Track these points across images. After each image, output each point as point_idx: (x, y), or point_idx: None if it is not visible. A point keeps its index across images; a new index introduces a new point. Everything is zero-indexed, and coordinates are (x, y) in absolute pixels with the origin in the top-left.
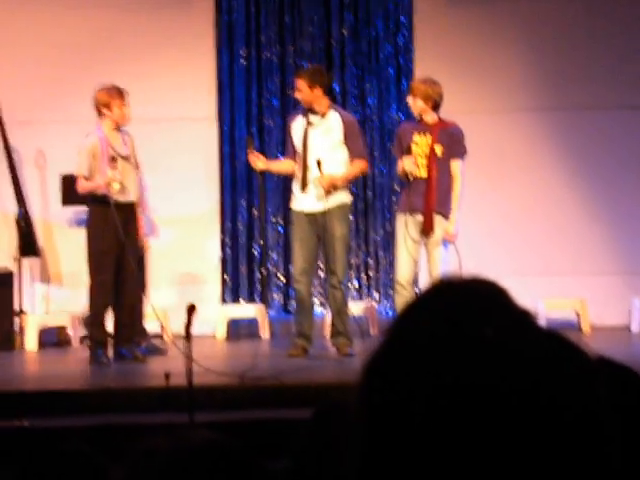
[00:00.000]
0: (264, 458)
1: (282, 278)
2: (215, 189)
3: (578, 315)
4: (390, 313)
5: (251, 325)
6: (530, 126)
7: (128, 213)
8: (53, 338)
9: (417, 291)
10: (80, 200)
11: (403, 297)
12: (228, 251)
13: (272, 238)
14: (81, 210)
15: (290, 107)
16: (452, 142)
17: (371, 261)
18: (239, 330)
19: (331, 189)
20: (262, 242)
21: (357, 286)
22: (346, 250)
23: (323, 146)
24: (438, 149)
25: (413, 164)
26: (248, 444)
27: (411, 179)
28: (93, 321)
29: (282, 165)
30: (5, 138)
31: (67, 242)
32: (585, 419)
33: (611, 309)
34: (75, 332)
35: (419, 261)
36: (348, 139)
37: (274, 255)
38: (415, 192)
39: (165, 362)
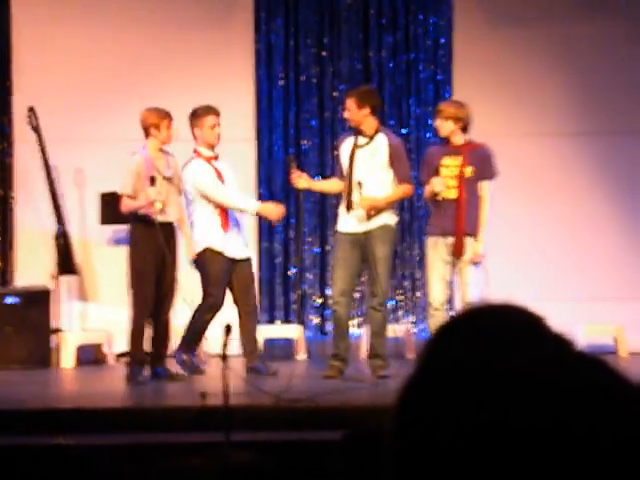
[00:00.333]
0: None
1: (318, 299)
2: None
3: (616, 341)
4: (426, 335)
5: (286, 346)
6: (565, 151)
7: (168, 232)
8: (90, 356)
9: (451, 313)
10: (120, 219)
11: (437, 319)
12: (265, 271)
13: (308, 259)
14: (119, 229)
15: (328, 128)
16: (482, 163)
17: (407, 283)
18: (274, 351)
19: (372, 211)
20: (298, 263)
21: (394, 308)
22: (388, 272)
23: (369, 168)
24: (468, 170)
25: (443, 185)
26: (282, 465)
27: (440, 199)
28: (134, 339)
29: (326, 185)
30: (45, 156)
31: (105, 260)
32: (627, 449)
33: None
34: (111, 350)
35: (451, 283)
36: (394, 162)
37: (310, 276)
38: (444, 214)
39: (200, 382)
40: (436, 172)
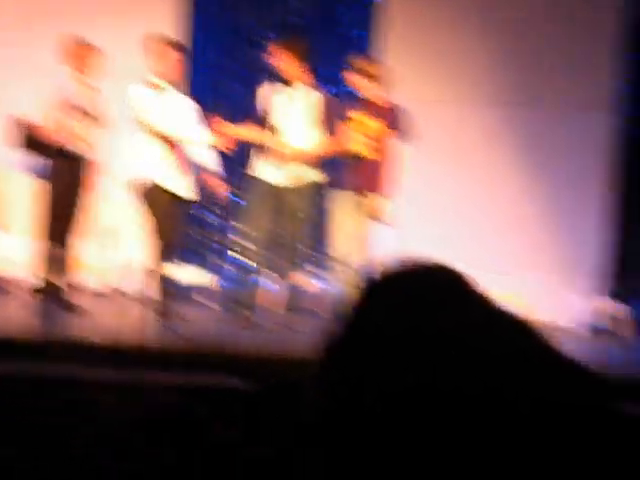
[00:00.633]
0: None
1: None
2: None
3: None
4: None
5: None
6: (491, 119)
7: (85, 167)
8: None
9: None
10: (38, 148)
11: (340, 273)
12: None
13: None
14: (37, 159)
15: (259, 77)
16: (394, 122)
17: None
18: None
19: (300, 165)
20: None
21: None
22: (302, 230)
23: (299, 121)
24: (381, 128)
25: (352, 137)
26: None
27: (349, 153)
28: (45, 266)
29: (251, 132)
30: None
31: (17, 189)
32: (546, 414)
33: (549, 308)
34: (17, 280)
35: (354, 237)
36: (325, 116)
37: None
38: (352, 169)
39: (110, 318)
40: (344, 124)
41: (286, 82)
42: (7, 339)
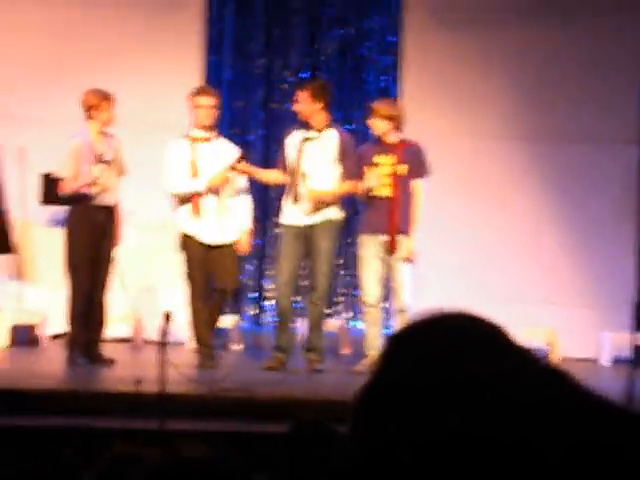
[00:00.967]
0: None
1: (255, 290)
2: None
3: (549, 345)
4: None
5: (222, 336)
6: (511, 154)
7: (106, 216)
8: (24, 336)
9: (386, 309)
10: (60, 200)
11: (371, 316)
12: None
13: None
14: (59, 210)
15: (275, 119)
16: (415, 161)
17: (348, 279)
18: None
19: (318, 205)
20: None
21: (334, 303)
22: (329, 267)
23: (316, 161)
24: (401, 168)
25: (377, 179)
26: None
27: (373, 196)
28: (72, 321)
29: (266, 174)
30: None
31: (43, 241)
32: (580, 463)
33: (581, 341)
34: (45, 331)
35: (384, 280)
36: (344, 158)
37: (250, 267)
38: (378, 212)
39: (135, 368)
40: (368, 168)
41: (307, 125)
42: (36, 391)
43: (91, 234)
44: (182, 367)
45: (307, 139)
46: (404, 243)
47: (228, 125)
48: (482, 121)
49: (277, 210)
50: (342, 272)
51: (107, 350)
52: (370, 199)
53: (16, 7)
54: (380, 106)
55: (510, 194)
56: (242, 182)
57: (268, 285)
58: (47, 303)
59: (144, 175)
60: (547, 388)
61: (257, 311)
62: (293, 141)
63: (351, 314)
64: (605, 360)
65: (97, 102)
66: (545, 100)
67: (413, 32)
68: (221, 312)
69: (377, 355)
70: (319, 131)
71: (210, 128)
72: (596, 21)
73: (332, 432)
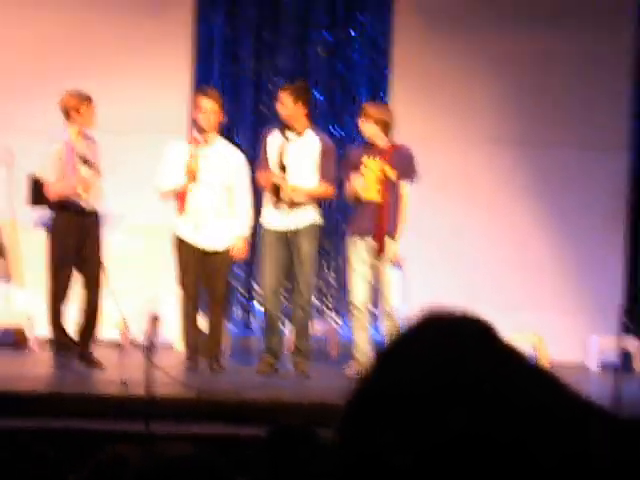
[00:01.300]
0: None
1: (244, 294)
2: None
3: (536, 351)
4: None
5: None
6: (498, 158)
7: (90, 219)
8: (10, 339)
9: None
10: (47, 202)
11: (359, 319)
12: None
13: None
14: (47, 213)
15: (265, 123)
16: (403, 164)
17: (333, 282)
18: None
19: (294, 199)
20: None
21: (318, 306)
22: (313, 271)
23: (297, 163)
24: (390, 172)
25: (363, 181)
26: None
27: (361, 198)
28: (52, 324)
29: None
30: None
31: (31, 243)
32: (571, 467)
33: (569, 346)
34: (32, 333)
35: (372, 283)
36: (323, 161)
37: (237, 271)
38: (364, 215)
39: (123, 371)
40: (356, 171)
41: (288, 127)
42: (22, 393)
43: (74, 237)
44: (170, 370)
45: (288, 140)
46: (390, 246)
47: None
48: (470, 125)
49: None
50: (333, 275)
51: (96, 353)
52: (358, 201)
53: (1, 14)
54: (371, 109)
55: (497, 198)
56: (243, 185)
57: (257, 289)
58: (35, 305)
59: (132, 178)
60: (541, 392)
61: (246, 315)
62: (275, 141)
63: (339, 317)
64: (593, 364)
65: (76, 104)
66: (532, 105)
67: (402, 36)
68: (221, 324)
69: (366, 358)
70: (300, 134)
71: (211, 131)
72: (582, 27)
73: (313, 435)
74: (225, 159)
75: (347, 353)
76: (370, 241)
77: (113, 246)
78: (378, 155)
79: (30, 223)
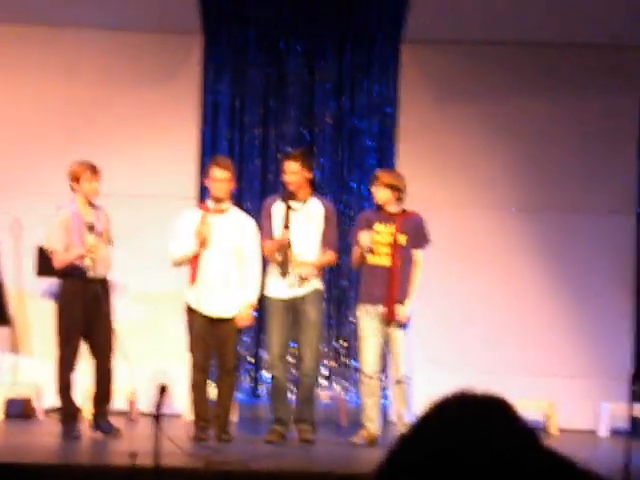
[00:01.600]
0: None
1: (251, 361)
2: None
3: (546, 417)
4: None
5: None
6: (506, 225)
7: (99, 287)
8: (18, 410)
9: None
10: (55, 272)
11: (369, 387)
12: None
13: None
14: (55, 282)
15: (271, 190)
16: (415, 232)
17: (342, 349)
18: None
19: (304, 275)
20: None
21: (327, 374)
22: (319, 337)
23: (302, 232)
24: (402, 239)
25: (369, 239)
26: None
27: (366, 254)
28: (61, 394)
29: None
30: None
31: (39, 313)
32: None
33: (579, 413)
34: (40, 404)
35: (382, 350)
36: (326, 227)
37: (246, 339)
38: (375, 282)
39: (132, 440)
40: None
41: (291, 196)
42: (30, 464)
43: (82, 306)
44: (178, 440)
45: (292, 209)
46: (399, 311)
47: None
48: (473, 191)
49: None
50: (342, 342)
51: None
52: (365, 266)
53: (14, 79)
54: (384, 175)
55: (505, 265)
56: (254, 251)
57: (264, 356)
58: (42, 376)
59: (140, 246)
60: (550, 472)
61: (253, 383)
62: (278, 211)
63: (347, 385)
64: (603, 431)
65: (78, 174)
66: (537, 171)
67: (409, 104)
68: (231, 394)
69: (375, 426)
70: (304, 201)
71: (223, 200)
72: (585, 94)
73: None
74: (237, 226)
75: (357, 420)
76: (380, 308)
77: (121, 314)
78: (390, 221)
79: (38, 292)
